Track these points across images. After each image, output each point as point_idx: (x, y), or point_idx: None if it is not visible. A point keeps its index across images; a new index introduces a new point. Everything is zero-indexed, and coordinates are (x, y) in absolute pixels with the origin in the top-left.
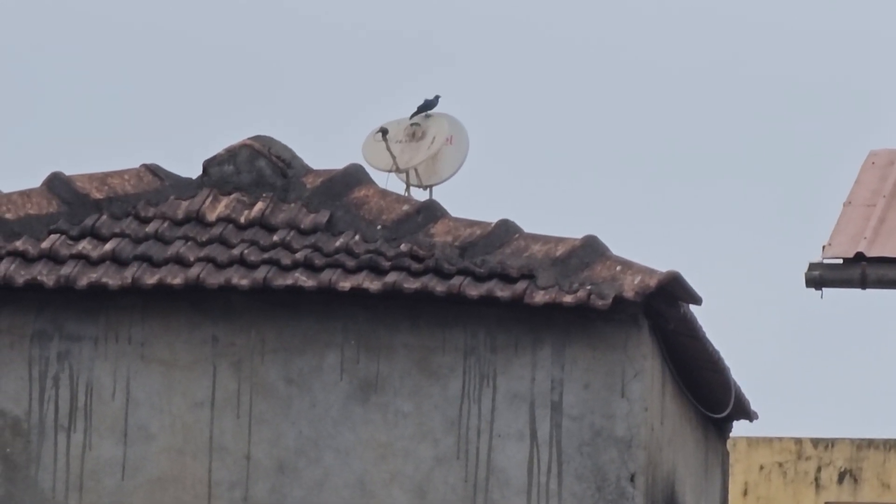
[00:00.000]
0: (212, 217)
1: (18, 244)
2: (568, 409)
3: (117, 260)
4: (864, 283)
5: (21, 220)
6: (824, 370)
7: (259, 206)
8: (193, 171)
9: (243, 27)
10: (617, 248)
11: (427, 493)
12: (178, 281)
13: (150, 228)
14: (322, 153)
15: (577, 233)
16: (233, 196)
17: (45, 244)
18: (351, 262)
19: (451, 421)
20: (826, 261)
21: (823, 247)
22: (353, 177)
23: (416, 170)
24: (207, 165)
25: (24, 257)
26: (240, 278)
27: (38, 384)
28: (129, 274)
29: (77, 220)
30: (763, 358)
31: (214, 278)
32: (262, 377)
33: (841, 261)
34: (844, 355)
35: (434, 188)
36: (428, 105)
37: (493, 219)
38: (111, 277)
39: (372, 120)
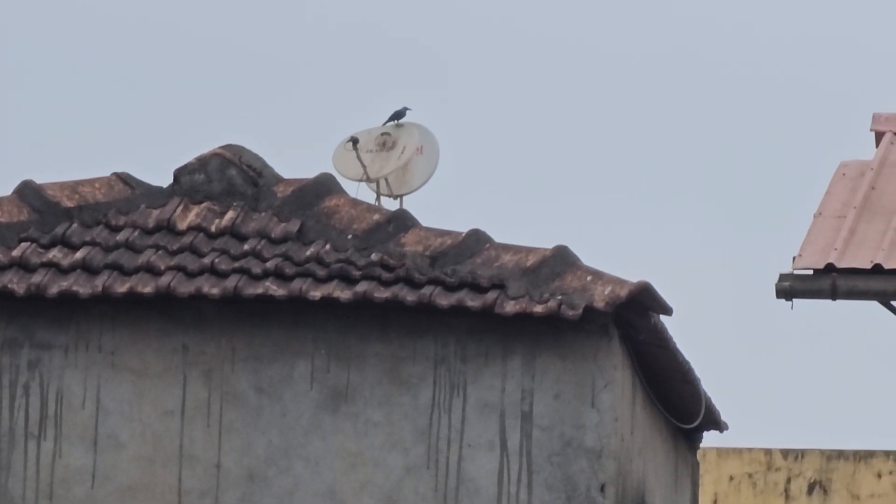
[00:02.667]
0: (182, 226)
1: None
2: (538, 419)
3: (88, 268)
4: (834, 295)
5: None
6: (794, 381)
7: (230, 214)
8: (164, 179)
9: (217, 35)
10: (587, 259)
11: (397, 502)
12: (148, 289)
13: (120, 237)
14: (293, 162)
15: (547, 242)
16: (203, 205)
17: (15, 252)
18: (321, 272)
19: (421, 430)
20: (796, 272)
21: (794, 258)
22: (324, 186)
23: (386, 179)
24: (178, 174)
25: None
26: (210, 287)
27: (8, 392)
28: (99, 282)
29: (48, 228)
30: (733, 369)
31: (185, 287)
32: (233, 386)
33: (811, 272)
34: (814, 367)
35: (404, 198)
36: (397, 115)
37: (463, 228)
38: (82, 286)
39: (342, 129)
